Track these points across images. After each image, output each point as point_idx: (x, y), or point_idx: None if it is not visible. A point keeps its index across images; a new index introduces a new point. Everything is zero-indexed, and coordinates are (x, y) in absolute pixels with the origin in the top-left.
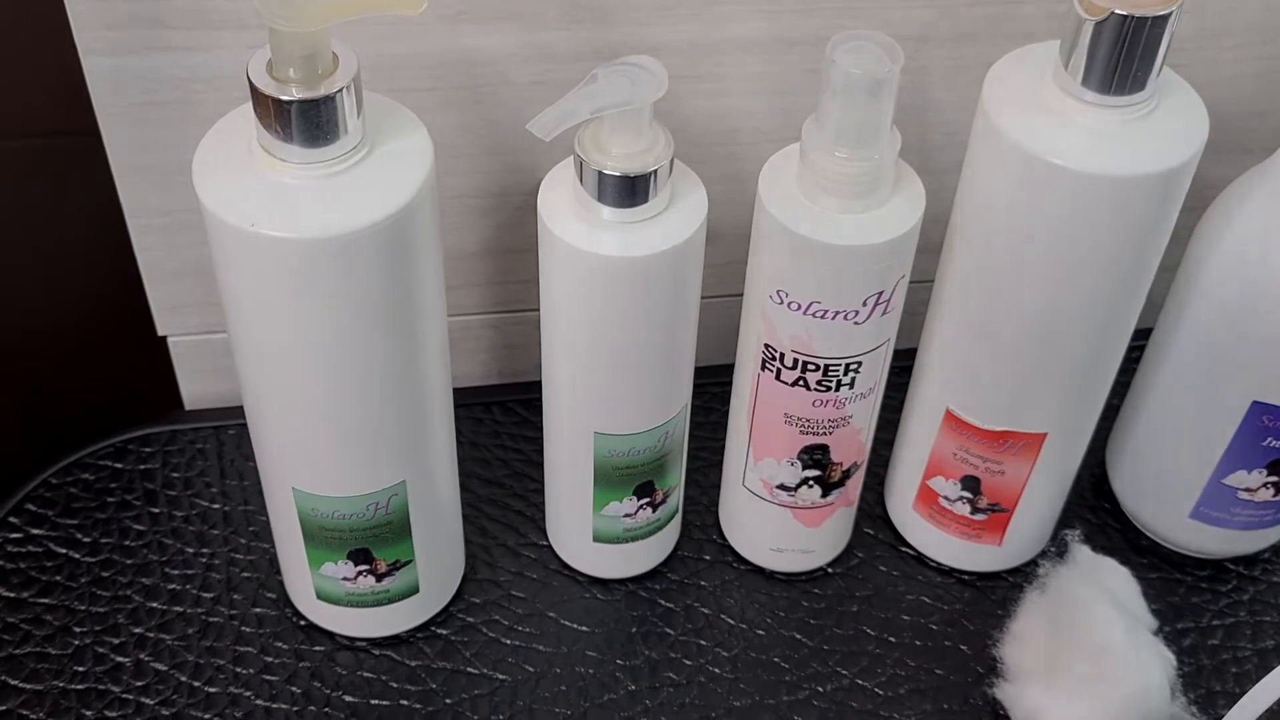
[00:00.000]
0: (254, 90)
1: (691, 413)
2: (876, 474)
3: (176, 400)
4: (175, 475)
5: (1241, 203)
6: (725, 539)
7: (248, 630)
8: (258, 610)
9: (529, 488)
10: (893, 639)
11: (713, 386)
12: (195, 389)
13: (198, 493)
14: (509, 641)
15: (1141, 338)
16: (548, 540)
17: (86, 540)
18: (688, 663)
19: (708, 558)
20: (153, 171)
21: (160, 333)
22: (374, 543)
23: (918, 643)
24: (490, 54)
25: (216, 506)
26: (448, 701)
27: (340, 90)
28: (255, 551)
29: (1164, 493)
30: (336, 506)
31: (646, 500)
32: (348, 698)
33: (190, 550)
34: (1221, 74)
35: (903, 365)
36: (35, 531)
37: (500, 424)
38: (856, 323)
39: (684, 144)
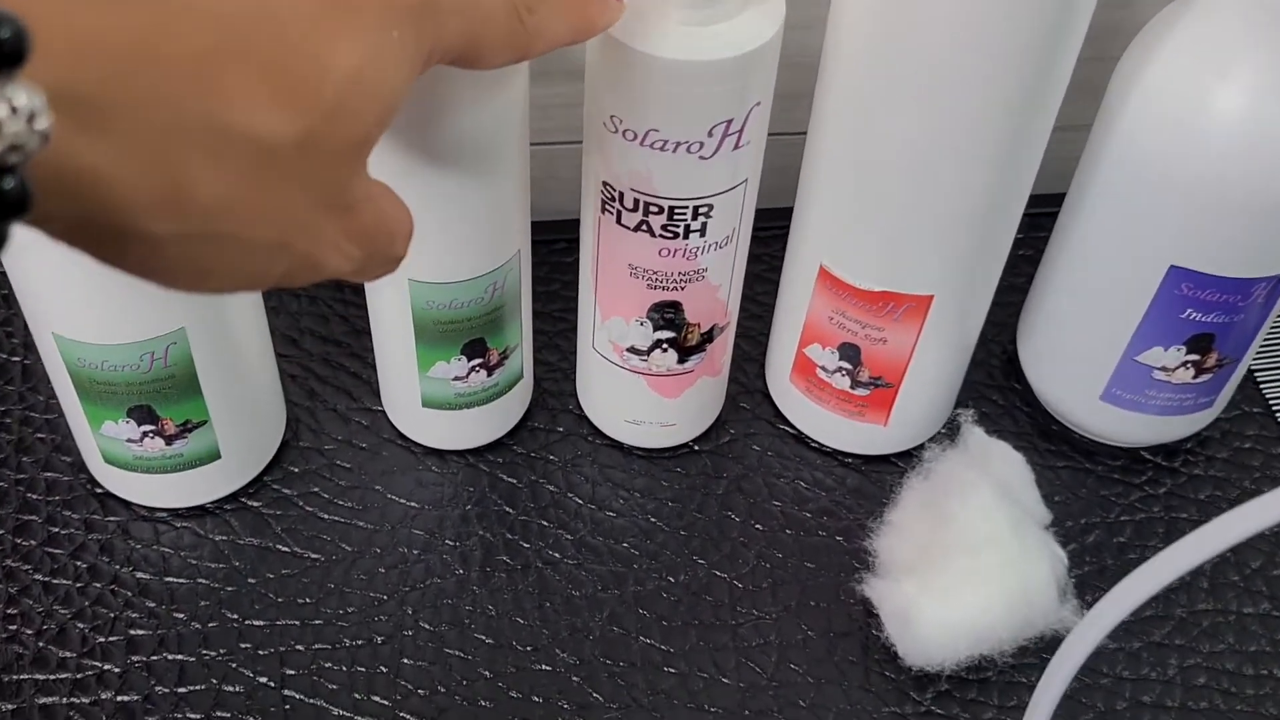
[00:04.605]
0: None
1: (552, 269)
2: (759, 344)
3: None
4: None
5: (1164, 38)
6: (583, 410)
7: (34, 497)
8: (48, 475)
9: (367, 345)
10: (760, 526)
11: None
12: None
13: None
14: (326, 516)
15: (1056, 204)
16: (382, 406)
17: None
18: (525, 546)
19: (561, 430)
20: None
21: None
22: (156, 399)
23: (788, 531)
24: None
25: (16, 359)
26: (251, 582)
27: None
28: (55, 409)
29: (1073, 372)
30: (105, 356)
31: (479, 361)
32: (139, 574)
33: None
34: None
35: (786, 224)
36: None
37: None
38: (703, 157)
39: None
